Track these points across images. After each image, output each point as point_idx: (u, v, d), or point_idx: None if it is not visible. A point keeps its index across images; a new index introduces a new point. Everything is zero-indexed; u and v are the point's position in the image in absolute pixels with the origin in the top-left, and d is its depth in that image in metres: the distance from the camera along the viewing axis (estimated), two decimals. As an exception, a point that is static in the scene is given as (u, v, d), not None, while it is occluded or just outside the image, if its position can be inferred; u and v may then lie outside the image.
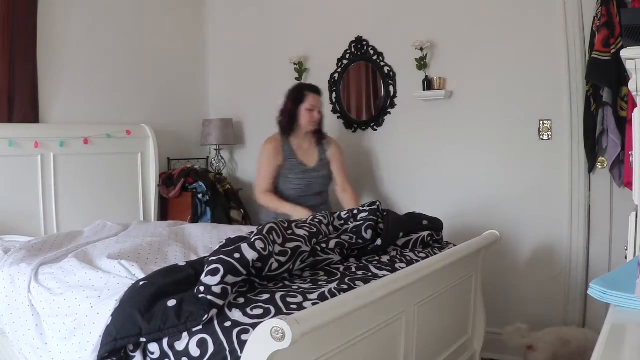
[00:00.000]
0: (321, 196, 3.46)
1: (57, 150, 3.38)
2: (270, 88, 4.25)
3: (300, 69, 4.07)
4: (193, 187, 3.88)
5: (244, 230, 2.87)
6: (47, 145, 3.34)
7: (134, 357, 1.72)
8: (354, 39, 3.92)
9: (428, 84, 3.60)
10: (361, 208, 2.63)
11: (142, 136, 3.86)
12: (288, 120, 3.39)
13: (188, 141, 4.39)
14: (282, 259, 2.00)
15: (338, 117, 4.01)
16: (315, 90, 3.42)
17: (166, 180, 3.93)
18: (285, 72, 4.12)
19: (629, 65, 1.66)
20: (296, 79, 4.08)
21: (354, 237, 2.45)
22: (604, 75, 2.88)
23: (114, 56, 3.88)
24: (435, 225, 2.79)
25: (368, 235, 2.46)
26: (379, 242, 2.48)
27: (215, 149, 4.34)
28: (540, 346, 2.79)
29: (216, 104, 4.58)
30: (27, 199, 3.25)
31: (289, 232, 2.20)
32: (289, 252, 2.04)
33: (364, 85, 3.95)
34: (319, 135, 3.46)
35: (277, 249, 2.01)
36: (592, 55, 2.94)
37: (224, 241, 2.07)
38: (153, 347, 1.70)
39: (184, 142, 4.37)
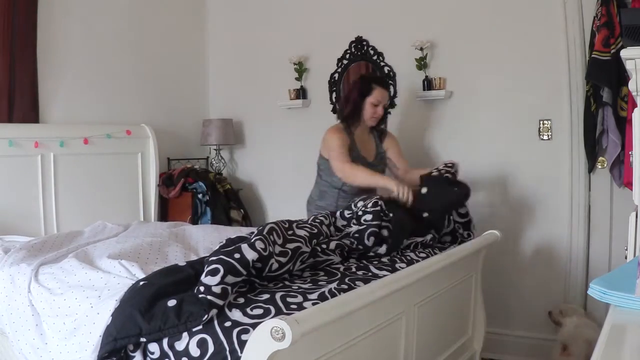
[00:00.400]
0: (373, 191, 3.17)
1: (57, 150, 3.38)
2: (270, 88, 4.26)
3: (300, 69, 4.07)
4: (193, 187, 3.88)
5: (244, 231, 2.86)
6: (47, 145, 3.34)
7: (134, 357, 1.72)
8: (354, 39, 3.92)
9: (428, 84, 3.60)
10: (365, 209, 2.56)
11: (142, 136, 3.86)
12: (351, 111, 3.13)
13: (188, 141, 4.39)
14: (283, 259, 1.99)
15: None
16: (384, 85, 3.18)
17: (166, 180, 3.93)
18: (285, 72, 4.12)
19: (629, 65, 1.66)
20: (296, 79, 4.09)
21: (355, 242, 2.42)
22: (604, 75, 2.88)
23: (114, 56, 3.89)
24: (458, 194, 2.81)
25: (370, 242, 2.41)
26: (382, 250, 2.44)
27: (215, 149, 4.34)
28: (574, 350, 2.78)
29: (216, 104, 4.58)
30: (27, 199, 3.25)
31: (290, 232, 2.20)
32: (289, 252, 2.04)
33: (364, 85, 3.94)
34: (379, 130, 3.27)
35: (277, 249, 2.00)
36: (592, 55, 2.94)
37: (224, 241, 2.07)
38: (153, 347, 1.70)
39: (184, 142, 4.37)
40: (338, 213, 2.64)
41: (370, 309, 1.81)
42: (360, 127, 3.17)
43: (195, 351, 1.61)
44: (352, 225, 2.53)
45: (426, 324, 2.26)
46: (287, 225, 2.24)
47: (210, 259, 1.83)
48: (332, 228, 2.51)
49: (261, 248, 1.90)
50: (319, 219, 2.48)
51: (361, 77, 3.28)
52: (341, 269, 2.21)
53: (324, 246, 2.26)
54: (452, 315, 2.56)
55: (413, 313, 2.15)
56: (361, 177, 2.95)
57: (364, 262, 2.35)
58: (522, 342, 3.34)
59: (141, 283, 1.85)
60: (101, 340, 1.77)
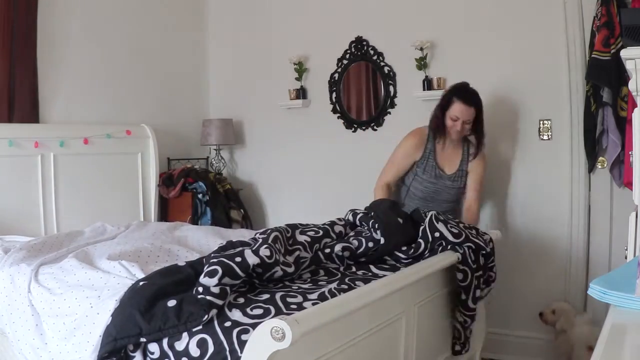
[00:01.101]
0: (450, 204, 3.11)
1: (57, 150, 3.38)
2: (270, 88, 4.26)
3: (300, 69, 4.07)
4: (193, 187, 3.88)
5: (246, 235, 2.85)
6: (47, 145, 3.34)
7: (134, 357, 1.73)
8: (354, 39, 3.92)
9: (428, 84, 3.60)
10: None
11: (142, 136, 3.86)
12: (436, 125, 3.04)
13: (188, 141, 4.39)
14: (288, 269, 2.00)
15: (338, 117, 4.01)
16: (466, 100, 2.95)
17: (166, 180, 3.93)
18: (285, 72, 4.12)
19: (629, 65, 1.66)
20: (296, 79, 4.09)
21: (364, 240, 2.34)
22: (604, 75, 2.88)
23: (114, 56, 3.88)
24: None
25: (378, 235, 2.37)
26: (378, 235, 2.38)
27: (215, 149, 4.34)
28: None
29: (216, 104, 4.58)
30: (27, 199, 3.25)
31: (290, 241, 2.20)
32: (292, 266, 2.04)
33: (364, 85, 3.95)
34: (475, 146, 3.08)
35: (281, 259, 2.01)
36: (592, 55, 2.94)
37: (224, 242, 2.08)
38: (153, 347, 1.70)
39: (184, 142, 4.37)
40: (351, 216, 2.61)
41: (370, 309, 1.81)
42: (449, 138, 3.05)
43: (195, 351, 1.61)
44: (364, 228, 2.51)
45: (426, 324, 2.26)
46: (289, 234, 2.24)
47: (211, 260, 1.84)
48: (347, 228, 2.50)
49: (266, 255, 1.91)
50: (332, 221, 2.49)
51: (452, 86, 3.10)
52: (341, 269, 2.21)
53: (328, 250, 2.26)
54: (453, 316, 2.56)
55: (413, 313, 2.15)
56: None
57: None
58: (522, 342, 3.34)
59: (141, 283, 1.86)
60: (101, 340, 1.77)
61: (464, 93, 3.00)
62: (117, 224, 3.25)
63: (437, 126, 3.04)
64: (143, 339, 1.69)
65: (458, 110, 2.96)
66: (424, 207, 2.84)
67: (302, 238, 2.24)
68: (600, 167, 3.15)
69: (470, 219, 3.00)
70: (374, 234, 2.38)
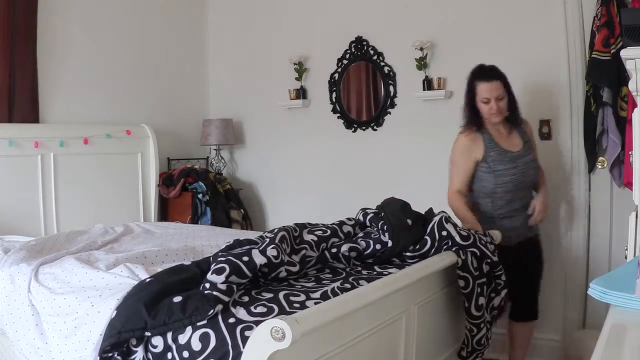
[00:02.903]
0: (532, 190, 2.92)
1: (57, 150, 3.38)
2: (270, 88, 4.26)
3: (300, 69, 4.08)
4: (193, 187, 3.88)
5: (249, 235, 2.84)
6: (47, 145, 3.34)
7: (136, 351, 1.73)
8: (354, 39, 3.92)
9: (428, 84, 3.60)
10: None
11: (142, 136, 3.86)
12: (470, 117, 2.83)
13: (188, 141, 4.39)
14: (292, 268, 2.01)
15: (338, 117, 4.01)
16: (486, 77, 2.77)
17: (166, 180, 3.93)
18: (285, 72, 4.12)
19: (629, 65, 1.66)
20: (296, 79, 4.09)
21: (371, 242, 2.35)
22: (604, 75, 2.89)
23: (114, 56, 3.89)
24: None
25: (386, 237, 2.36)
26: (386, 238, 2.37)
27: (215, 149, 4.34)
28: None
29: (216, 104, 4.58)
30: (27, 199, 3.25)
31: (298, 240, 2.20)
32: (297, 265, 2.05)
33: (364, 85, 3.95)
34: (513, 119, 2.86)
35: (286, 259, 2.02)
36: (592, 55, 2.94)
37: (231, 241, 2.08)
38: (157, 340, 1.70)
39: (184, 142, 4.37)
40: (361, 216, 2.60)
41: (370, 309, 1.81)
42: (494, 124, 2.84)
43: (197, 345, 1.62)
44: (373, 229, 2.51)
45: (426, 323, 2.26)
46: (297, 233, 2.24)
47: (218, 258, 1.85)
48: (357, 228, 2.50)
49: (272, 255, 1.92)
50: (341, 221, 2.49)
51: (469, 75, 2.91)
52: (347, 269, 2.22)
53: (334, 250, 2.26)
54: (453, 316, 2.56)
55: (413, 313, 2.15)
56: (460, 216, 2.76)
57: (369, 260, 2.34)
58: (522, 342, 3.34)
59: (148, 280, 1.88)
60: (104, 333, 1.78)
61: (481, 72, 2.84)
62: (117, 225, 3.24)
63: (473, 116, 2.83)
64: (148, 333, 1.70)
65: (484, 90, 2.76)
66: (511, 202, 2.76)
67: (309, 237, 2.24)
68: (600, 167, 3.15)
69: (543, 178, 2.95)
70: (382, 236, 2.37)
